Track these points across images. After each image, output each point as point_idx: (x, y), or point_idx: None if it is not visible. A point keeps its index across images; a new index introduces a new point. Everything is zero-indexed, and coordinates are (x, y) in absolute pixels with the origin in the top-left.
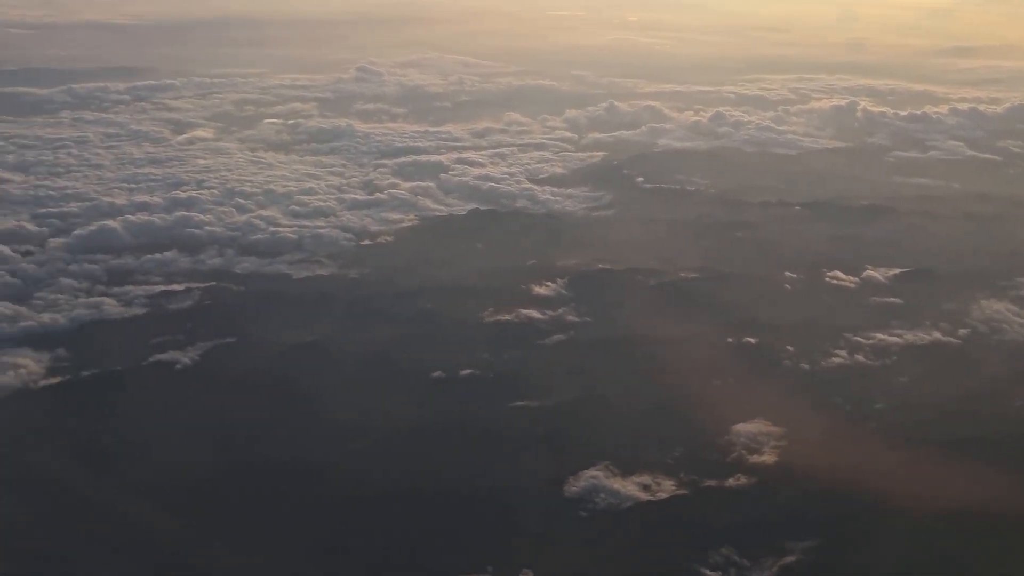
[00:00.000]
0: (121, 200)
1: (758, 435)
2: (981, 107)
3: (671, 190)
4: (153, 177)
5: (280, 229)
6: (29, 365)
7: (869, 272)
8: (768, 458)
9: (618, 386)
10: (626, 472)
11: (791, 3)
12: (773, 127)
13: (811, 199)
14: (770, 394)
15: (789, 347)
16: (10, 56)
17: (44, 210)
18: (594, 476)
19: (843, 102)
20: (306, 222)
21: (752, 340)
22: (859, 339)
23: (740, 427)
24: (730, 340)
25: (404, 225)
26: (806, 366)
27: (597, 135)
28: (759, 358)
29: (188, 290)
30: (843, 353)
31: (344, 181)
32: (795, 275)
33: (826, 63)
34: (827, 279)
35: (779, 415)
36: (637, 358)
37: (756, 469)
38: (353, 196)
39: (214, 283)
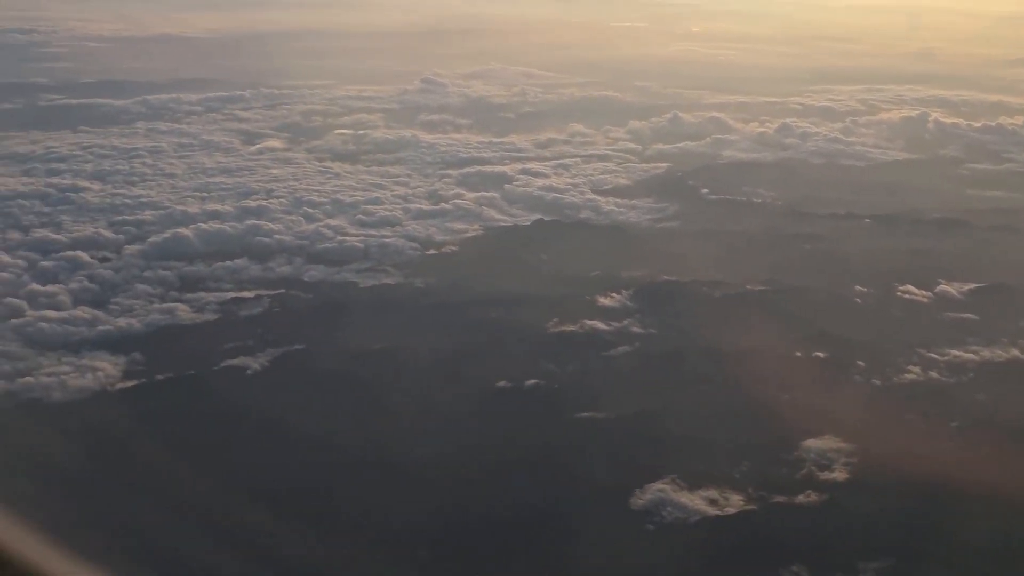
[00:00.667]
0: (193, 208)
1: (828, 451)
2: None
3: (737, 202)
4: (224, 186)
5: (347, 238)
6: (107, 368)
7: (943, 287)
8: (839, 475)
9: (684, 398)
10: (693, 486)
11: (857, 13)
12: (841, 138)
13: (882, 212)
14: (840, 409)
15: (860, 362)
16: (88, 68)
17: (120, 218)
18: (660, 489)
19: (914, 113)
20: (372, 231)
21: (821, 354)
22: (933, 355)
23: (810, 443)
24: (798, 354)
25: (469, 235)
26: (878, 382)
27: (661, 146)
28: (828, 373)
29: (258, 297)
30: (916, 369)
31: (409, 191)
32: (866, 289)
33: (895, 73)
34: (899, 293)
35: (850, 431)
36: (703, 370)
37: (827, 486)
38: (418, 206)
39: (283, 290)
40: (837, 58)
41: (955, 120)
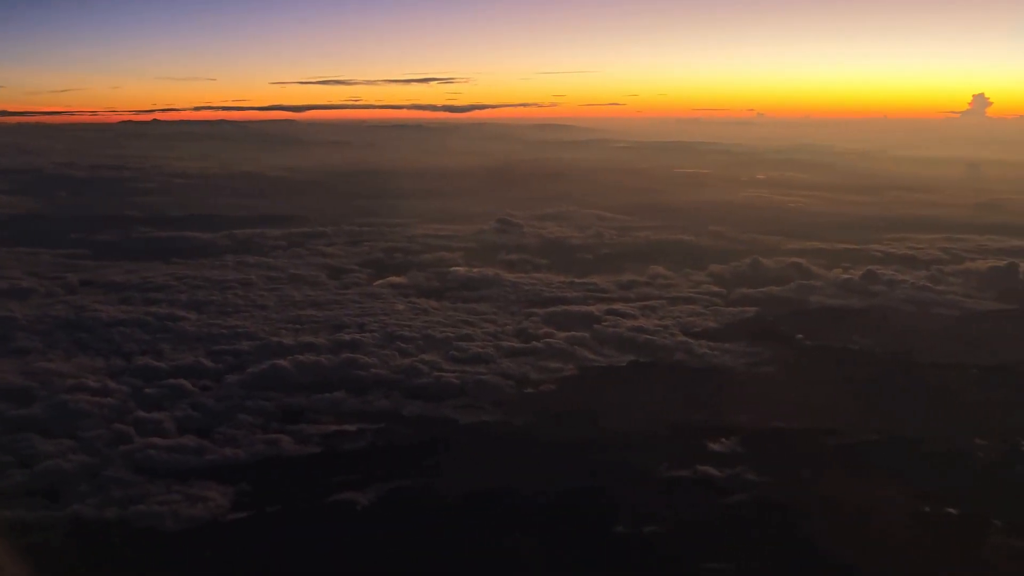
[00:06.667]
0: (288, 340)
1: None
2: None
3: (833, 348)
4: (316, 319)
5: (443, 374)
6: (216, 498)
7: None
8: None
9: (812, 554)
10: None
11: (916, 164)
12: (930, 287)
13: (988, 363)
14: (986, 571)
15: (996, 521)
16: (176, 203)
17: (218, 347)
18: None
19: (1001, 263)
20: (467, 367)
21: (952, 511)
22: None
23: None
24: (927, 509)
25: (565, 374)
26: (1019, 544)
27: (745, 290)
28: (964, 531)
29: (361, 431)
30: None
31: (499, 328)
32: (986, 442)
33: (969, 223)
34: (1023, 449)
35: None
36: (831, 523)
37: None
38: (510, 343)
39: (384, 425)
40: (908, 207)
41: None
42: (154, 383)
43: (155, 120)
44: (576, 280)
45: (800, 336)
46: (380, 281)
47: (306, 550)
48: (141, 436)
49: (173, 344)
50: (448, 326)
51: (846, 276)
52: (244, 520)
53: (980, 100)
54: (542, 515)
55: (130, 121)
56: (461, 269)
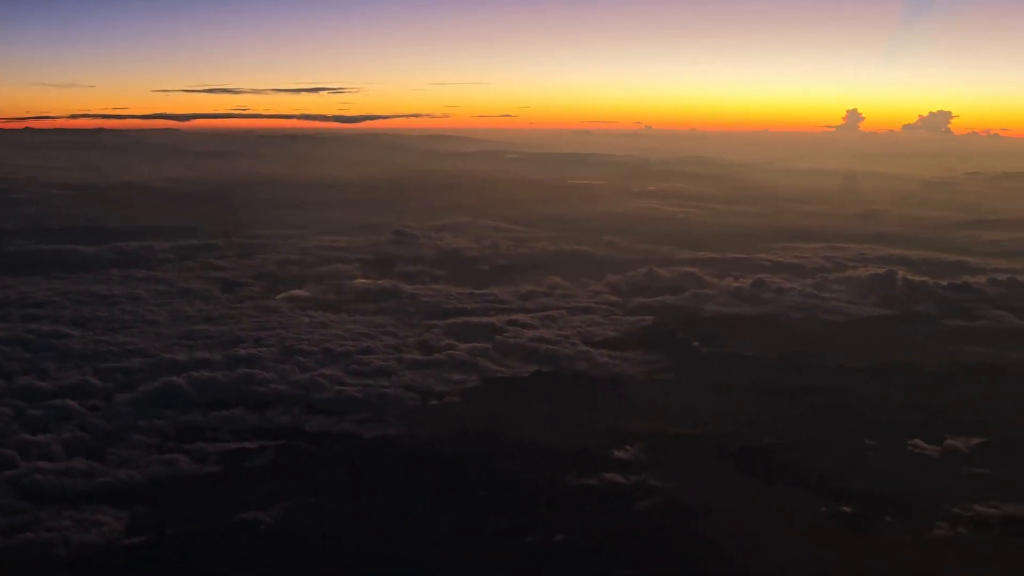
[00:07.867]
0: (181, 356)
1: None
2: (1020, 278)
3: (729, 354)
4: (209, 334)
5: (345, 388)
6: (110, 523)
7: (950, 441)
8: None
9: (721, 558)
10: None
11: (796, 176)
12: (816, 294)
13: (873, 365)
14: (881, 567)
15: (887, 517)
16: (55, 215)
17: (107, 365)
18: None
19: (881, 271)
20: (369, 381)
21: (847, 509)
22: (957, 511)
23: None
24: (824, 509)
25: (468, 386)
26: (909, 538)
27: (642, 299)
28: (859, 528)
29: (261, 448)
30: (944, 525)
31: (399, 341)
32: (875, 443)
33: (850, 233)
34: (910, 448)
35: None
36: (735, 526)
37: None
38: (412, 356)
39: (285, 441)
40: (792, 218)
41: (923, 278)
42: (39, 404)
43: (28, 128)
44: (475, 291)
45: (696, 343)
46: (282, 295)
47: (209, 573)
48: (26, 460)
49: (58, 363)
50: (348, 339)
51: (737, 285)
52: (141, 544)
53: (853, 115)
54: (451, 528)
55: (0, 129)
56: (359, 281)
